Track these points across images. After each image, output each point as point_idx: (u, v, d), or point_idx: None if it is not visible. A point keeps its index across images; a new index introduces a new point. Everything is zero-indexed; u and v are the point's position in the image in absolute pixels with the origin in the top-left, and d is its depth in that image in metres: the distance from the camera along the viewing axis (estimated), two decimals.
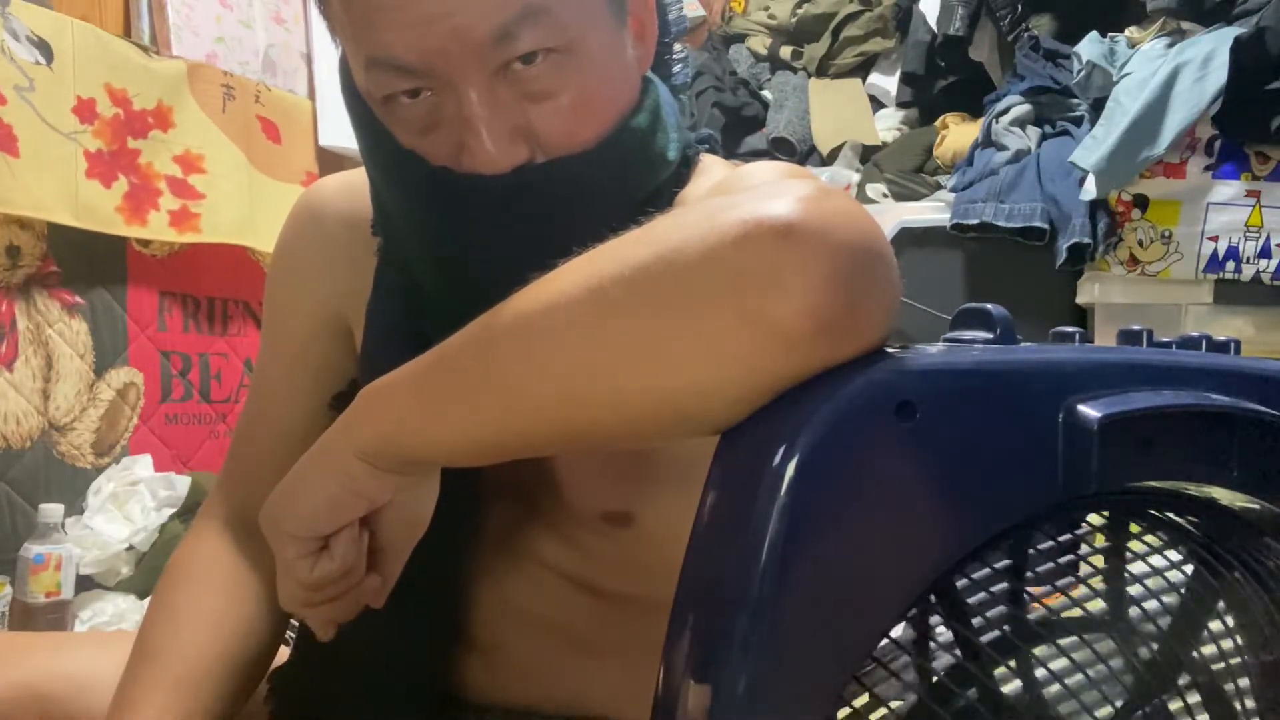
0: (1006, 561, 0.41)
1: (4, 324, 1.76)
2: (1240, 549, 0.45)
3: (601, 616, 0.70)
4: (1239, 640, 0.45)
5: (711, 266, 0.40)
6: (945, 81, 2.51)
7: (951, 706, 0.39)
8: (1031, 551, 0.41)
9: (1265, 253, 1.88)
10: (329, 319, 0.76)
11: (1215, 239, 1.90)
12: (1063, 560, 0.42)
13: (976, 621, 0.40)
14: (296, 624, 0.74)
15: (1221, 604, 0.45)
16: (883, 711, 0.38)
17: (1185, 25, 1.99)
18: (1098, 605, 0.42)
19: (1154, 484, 0.44)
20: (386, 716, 0.68)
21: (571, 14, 0.58)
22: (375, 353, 0.70)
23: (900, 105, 2.66)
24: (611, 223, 0.48)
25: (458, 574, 0.70)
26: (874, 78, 2.74)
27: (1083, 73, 2.03)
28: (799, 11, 2.88)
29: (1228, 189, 1.90)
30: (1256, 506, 0.45)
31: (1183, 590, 0.44)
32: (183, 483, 1.89)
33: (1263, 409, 0.44)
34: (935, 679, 0.40)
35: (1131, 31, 2.07)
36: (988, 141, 2.17)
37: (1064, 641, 0.40)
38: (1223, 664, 0.44)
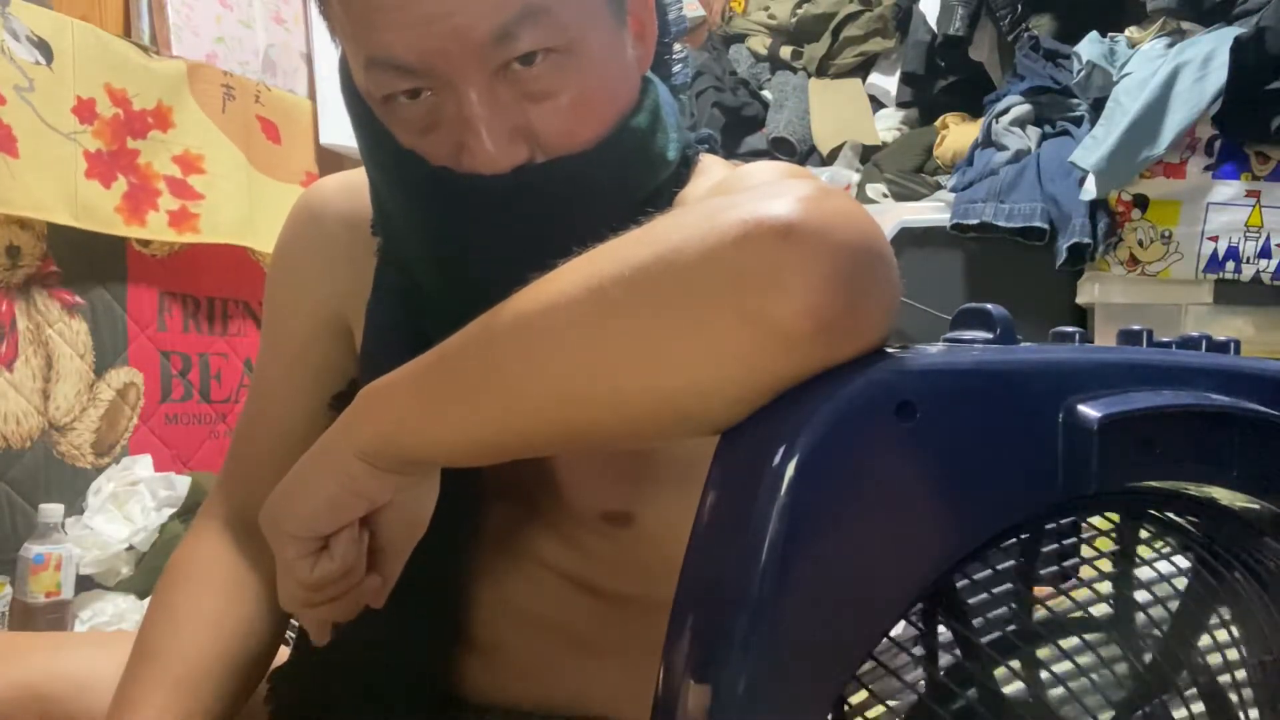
0: (1008, 562, 0.41)
1: (4, 324, 1.76)
2: (1240, 549, 0.45)
3: (601, 616, 0.70)
4: (1239, 640, 0.45)
5: (711, 266, 0.40)
6: (945, 81, 2.51)
7: (951, 706, 0.39)
8: (1031, 552, 0.41)
9: (1265, 253, 1.88)
10: (329, 319, 0.76)
11: (1215, 239, 1.90)
12: (1063, 559, 0.42)
13: (977, 622, 0.40)
14: (296, 624, 0.74)
15: (1221, 604, 0.45)
16: (881, 710, 0.38)
17: (1185, 25, 1.99)
18: (1099, 605, 0.42)
19: (1154, 484, 0.44)
20: (386, 716, 0.68)
21: (571, 14, 0.58)
22: (375, 353, 0.70)
23: (900, 105, 2.66)
24: (611, 223, 0.48)
25: (458, 574, 0.70)
26: (874, 78, 2.74)
27: (1083, 73, 2.03)
28: (799, 11, 2.88)
29: (1228, 189, 1.90)
30: (1256, 506, 0.45)
31: (1182, 590, 0.44)
32: (183, 483, 1.89)
33: (1263, 409, 0.44)
34: (936, 679, 0.40)
35: (1131, 31, 2.07)
36: (988, 141, 2.17)
37: (1064, 641, 0.40)
38: (1222, 664, 0.44)
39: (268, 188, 2.22)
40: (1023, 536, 0.41)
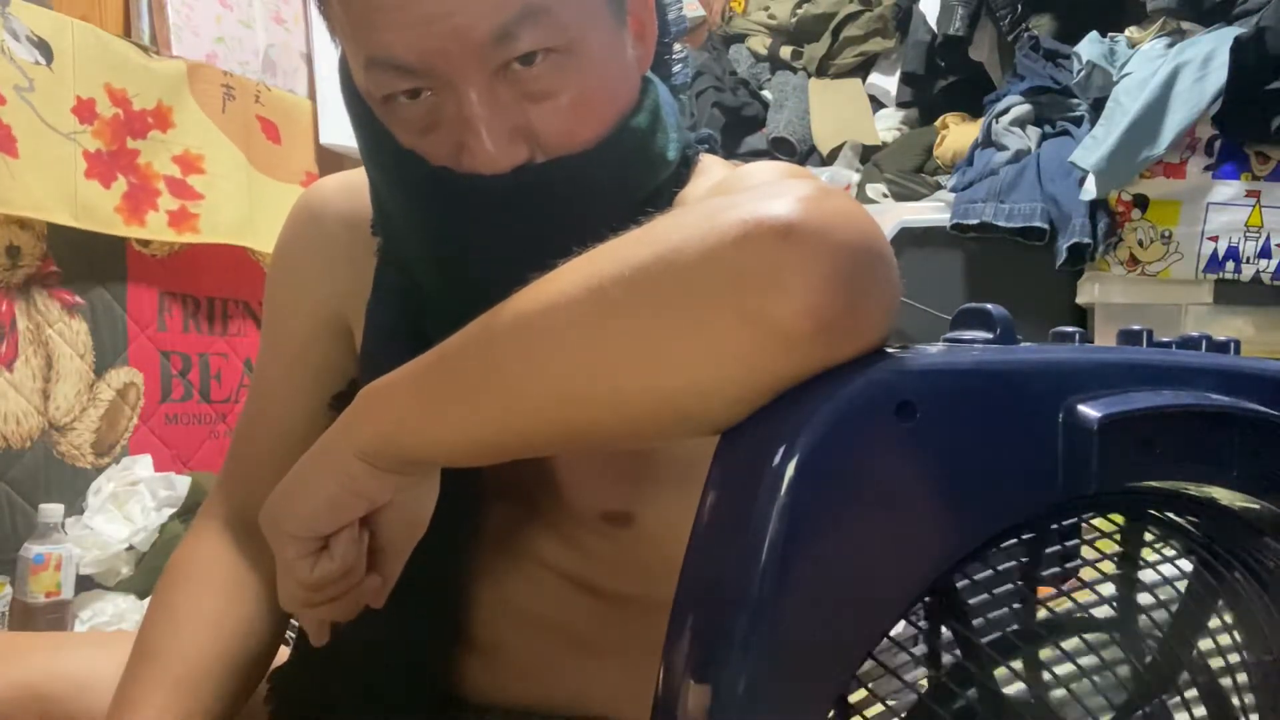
0: (1008, 563, 0.41)
1: (4, 324, 1.76)
2: (1240, 549, 0.45)
3: (601, 616, 0.70)
4: (1238, 640, 0.45)
5: (711, 266, 0.40)
6: (945, 81, 2.51)
7: (951, 706, 0.39)
8: (1031, 552, 0.41)
9: (1265, 253, 1.88)
10: (329, 319, 0.76)
11: (1215, 239, 1.90)
12: (1063, 559, 0.42)
13: (977, 622, 0.40)
14: (296, 624, 0.74)
15: (1221, 604, 0.45)
16: (880, 709, 0.38)
17: (1185, 25, 1.99)
18: (1098, 604, 0.42)
19: (1154, 484, 0.44)
20: (386, 716, 0.68)
21: (571, 14, 0.58)
22: (375, 353, 0.70)
23: (900, 105, 2.66)
24: (611, 223, 0.48)
25: (458, 574, 0.70)
26: (874, 78, 2.75)
27: (1083, 73, 2.03)
28: (799, 11, 2.88)
29: (1228, 189, 1.90)
30: (1256, 506, 0.45)
31: (1182, 590, 0.44)
32: (183, 483, 1.89)
33: (1263, 409, 0.44)
34: (936, 679, 0.40)
35: (1131, 31, 2.08)
36: (988, 141, 2.17)
37: (1064, 642, 0.40)
38: (1223, 664, 0.44)
39: (268, 188, 2.22)
40: (1024, 537, 0.41)
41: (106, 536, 1.78)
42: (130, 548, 1.79)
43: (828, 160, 2.57)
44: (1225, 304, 1.93)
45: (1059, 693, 0.39)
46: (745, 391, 0.41)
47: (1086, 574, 0.42)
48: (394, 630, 0.66)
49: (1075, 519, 0.42)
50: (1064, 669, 0.40)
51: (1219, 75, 1.81)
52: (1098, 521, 0.43)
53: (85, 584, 1.78)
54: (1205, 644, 0.44)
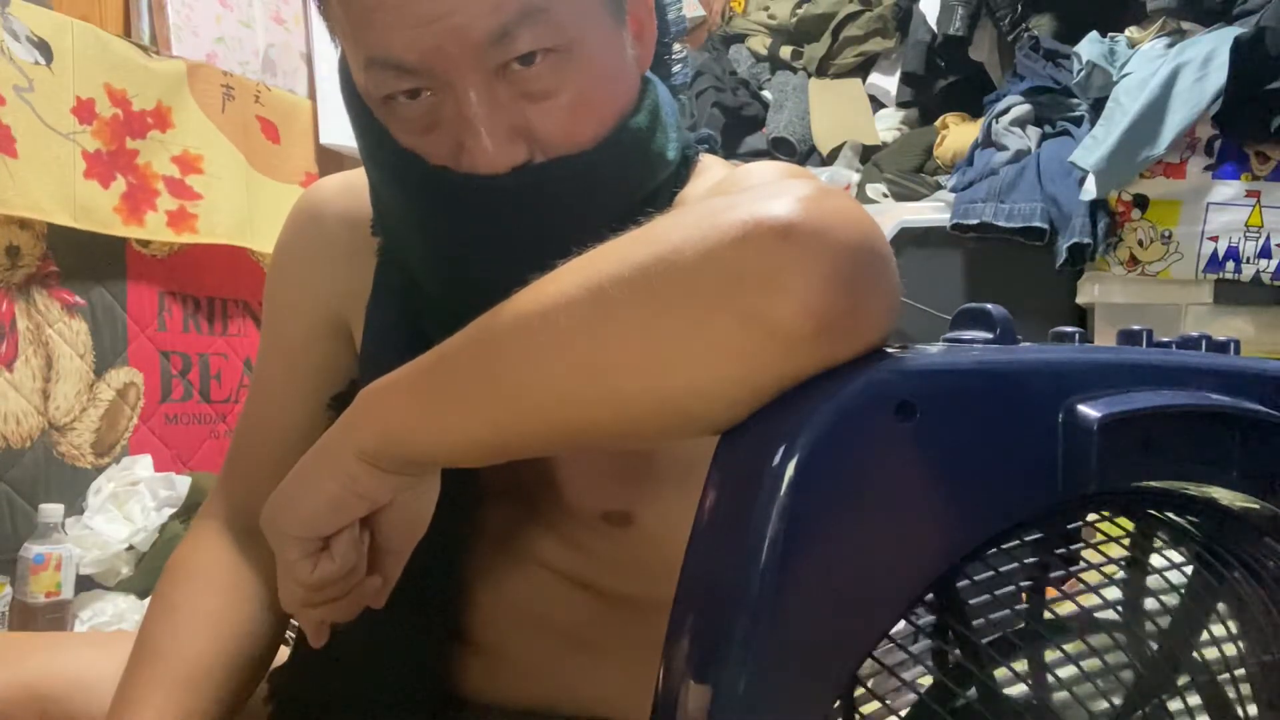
0: (1008, 563, 0.41)
1: (4, 324, 1.76)
2: (1240, 549, 0.45)
3: (601, 616, 0.70)
4: (1238, 640, 0.45)
5: (711, 267, 0.40)
6: (945, 81, 2.51)
7: (951, 706, 0.39)
8: (1031, 552, 0.41)
9: (1265, 253, 1.88)
10: (329, 319, 0.76)
11: (1215, 239, 1.90)
12: (1063, 560, 0.42)
13: (977, 622, 0.40)
14: (296, 624, 0.74)
15: (1221, 604, 0.45)
16: (878, 706, 0.38)
17: (1185, 25, 1.99)
18: (1095, 603, 0.42)
19: (1154, 484, 0.44)
20: (386, 716, 0.68)
21: (570, 14, 0.58)
22: (375, 353, 0.70)
23: (900, 105, 2.66)
24: (611, 223, 0.48)
25: (458, 574, 0.70)
26: (874, 78, 2.74)
27: (1083, 73, 2.03)
28: (799, 11, 2.88)
29: (1228, 189, 1.90)
30: (1256, 506, 0.45)
31: (1182, 590, 0.44)
32: (183, 483, 1.89)
33: (1263, 409, 0.44)
34: (937, 679, 0.40)
35: (1131, 31, 2.08)
36: (988, 141, 2.17)
37: (1064, 641, 0.40)
38: (1222, 664, 0.44)
39: (267, 188, 2.22)
40: (1025, 538, 0.41)
41: (106, 536, 1.78)
42: (130, 548, 1.79)
43: (828, 160, 2.57)
44: (1225, 304, 1.93)
45: (1059, 693, 0.39)
46: (745, 392, 0.41)
47: (1092, 576, 0.42)
48: (394, 630, 0.66)
49: (1075, 519, 0.42)
50: (1063, 669, 0.40)
51: (1219, 75, 1.81)
52: (1105, 526, 0.43)
53: (85, 584, 1.78)
54: (1205, 644, 0.44)
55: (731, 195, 0.43)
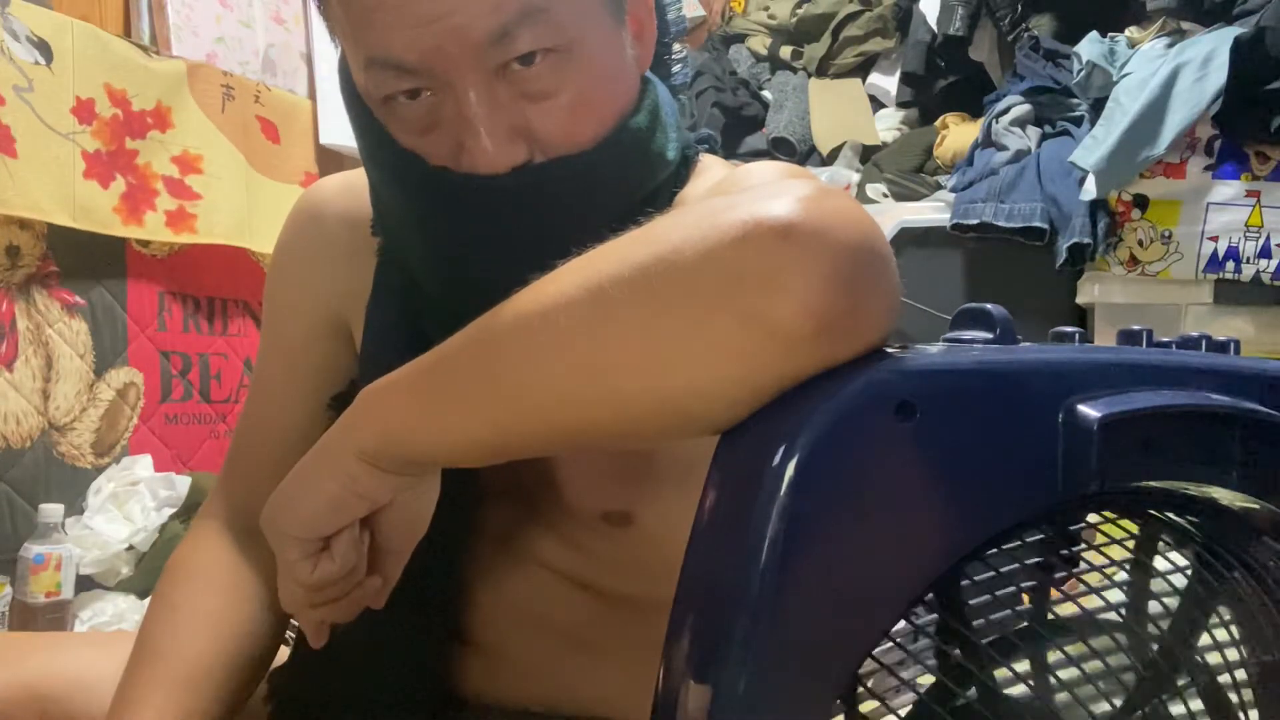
0: (1008, 563, 0.41)
1: (4, 324, 1.76)
2: (1240, 549, 0.45)
3: (601, 616, 0.70)
4: (1239, 641, 0.45)
5: (711, 267, 0.40)
6: (945, 81, 2.51)
7: (951, 705, 0.39)
8: (1032, 552, 0.41)
9: (1265, 253, 1.88)
10: (329, 319, 0.76)
11: (1215, 239, 1.90)
12: (1064, 560, 0.42)
13: (977, 622, 0.40)
14: (296, 624, 0.74)
15: (1221, 605, 0.45)
16: (877, 705, 0.38)
17: (1185, 25, 1.99)
18: (1097, 604, 0.42)
19: (1154, 484, 0.44)
20: (386, 716, 0.68)
21: (570, 14, 0.58)
22: (375, 353, 0.70)
23: (900, 105, 2.66)
24: (611, 223, 0.48)
25: (458, 574, 0.70)
26: (874, 78, 2.75)
27: (1083, 73, 2.03)
28: (799, 11, 2.88)
29: (1228, 189, 1.90)
30: (1256, 506, 0.45)
31: (1182, 591, 0.44)
32: (183, 483, 1.89)
33: (1263, 409, 0.44)
34: (937, 678, 0.40)
35: (1131, 31, 2.08)
36: (988, 141, 2.17)
37: (1064, 641, 0.40)
38: (1222, 664, 0.44)
39: (267, 188, 2.22)
40: (1026, 538, 0.41)
41: (106, 536, 1.78)
42: (130, 548, 1.79)
43: (828, 160, 2.57)
44: (1225, 304, 1.93)
45: (1060, 694, 0.39)
46: (745, 392, 0.41)
47: (1093, 577, 0.42)
48: (394, 630, 0.66)
49: (1076, 519, 0.42)
50: (1064, 669, 0.40)
51: (1219, 75, 1.81)
52: (1108, 528, 0.43)
53: (85, 584, 1.78)
54: (1205, 644, 0.44)
55: (731, 195, 0.43)
